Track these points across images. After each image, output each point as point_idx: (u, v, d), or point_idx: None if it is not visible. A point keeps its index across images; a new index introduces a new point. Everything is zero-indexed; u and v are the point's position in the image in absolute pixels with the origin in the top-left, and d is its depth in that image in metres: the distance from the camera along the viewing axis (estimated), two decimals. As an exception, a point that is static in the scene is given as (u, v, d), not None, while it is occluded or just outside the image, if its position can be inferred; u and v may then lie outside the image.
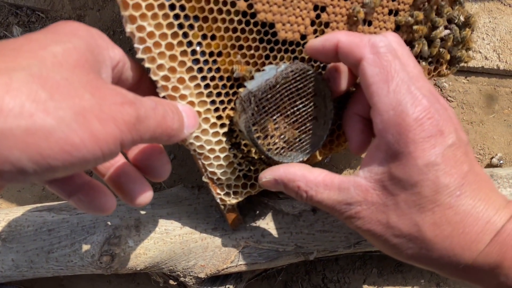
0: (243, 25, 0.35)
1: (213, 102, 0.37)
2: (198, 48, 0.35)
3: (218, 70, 0.36)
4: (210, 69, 0.36)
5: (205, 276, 0.46)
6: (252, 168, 0.40)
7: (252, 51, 0.37)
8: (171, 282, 0.50)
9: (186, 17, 0.33)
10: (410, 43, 0.43)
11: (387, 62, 0.31)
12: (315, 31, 0.39)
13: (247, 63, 0.37)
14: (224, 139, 0.38)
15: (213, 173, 0.39)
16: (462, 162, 0.31)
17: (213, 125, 0.37)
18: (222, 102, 0.37)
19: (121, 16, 0.32)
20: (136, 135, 0.26)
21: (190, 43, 0.34)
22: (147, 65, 0.33)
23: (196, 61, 0.35)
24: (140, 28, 0.32)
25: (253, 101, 0.35)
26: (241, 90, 0.37)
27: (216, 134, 0.38)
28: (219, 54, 0.36)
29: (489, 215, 0.31)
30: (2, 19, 0.58)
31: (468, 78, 0.58)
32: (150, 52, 0.33)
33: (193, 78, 0.35)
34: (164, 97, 0.34)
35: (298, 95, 0.37)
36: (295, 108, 0.37)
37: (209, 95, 0.36)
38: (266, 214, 0.47)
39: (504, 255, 0.30)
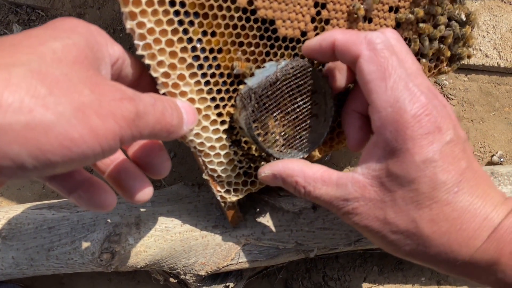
0: (243, 22, 0.35)
1: (213, 99, 0.37)
2: (198, 45, 0.35)
3: (218, 67, 0.36)
4: (210, 66, 0.36)
5: (205, 273, 0.46)
6: (252, 165, 0.40)
7: (252, 48, 0.37)
8: (172, 280, 0.50)
9: (187, 13, 0.33)
10: (409, 41, 0.43)
11: (384, 59, 0.31)
12: (315, 28, 0.38)
13: (247, 60, 0.37)
14: (224, 136, 0.38)
15: (214, 170, 0.39)
16: (460, 158, 0.31)
17: (214, 122, 0.37)
18: (222, 99, 0.37)
19: (121, 13, 0.32)
20: (136, 131, 0.26)
21: (190, 40, 0.34)
22: (147, 61, 0.33)
23: (197, 57, 0.35)
24: (140, 25, 0.32)
25: (254, 98, 0.35)
26: (241, 87, 0.37)
27: (216, 131, 0.38)
28: (219, 51, 0.36)
29: (486, 211, 0.31)
30: (2, 17, 0.58)
31: (468, 76, 0.58)
32: (150, 49, 0.33)
33: (193, 75, 0.35)
34: (164, 94, 0.34)
35: (299, 92, 0.36)
36: (296, 105, 0.37)
37: (210, 92, 0.36)
38: (266, 212, 0.47)
39: (501, 252, 0.30)
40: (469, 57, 0.46)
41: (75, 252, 0.44)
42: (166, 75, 0.34)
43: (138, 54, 0.33)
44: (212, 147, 0.38)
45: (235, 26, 0.35)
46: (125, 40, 0.57)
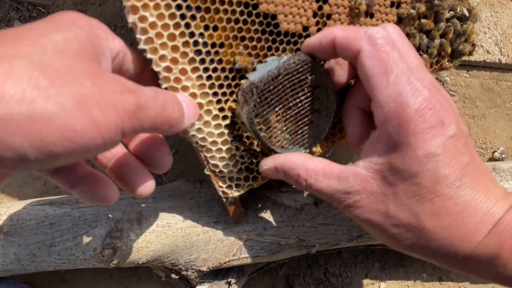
0: (245, 16, 0.35)
1: (215, 93, 0.37)
2: (200, 39, 0.35)
3: (220, 61, 0.36)
4: (212, 60, 0.36)
5: (207, 269, 0.46)
6: (254, 160, 0.40)
7: (254, 43, 0.37)
8: (173, 276, 0.50)
9: (188, 7, 0.33)
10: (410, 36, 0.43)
11: (385, 54, 0.31)
12: (317, 23, 0.38)
13: (249, 54, 0.37)
14: (226, 131, 0.38)
15: (215, 165, 0.39)
16: (462, 153, 0.31)
17: (215, 117, 0.37)
18: (224, 93, 0.37)
19: (123, 8, 0.31)
20: (137, 123, 0.26)
21: (192, 34, 0.34)
22: (149, 55, 0.33)
23: (198, 52, 0.35)
24: (142, 19, 0.32)
25: (255, 92, 0.35)
26: (243, 81, 0.36)
27: (218, 126, 0.38)
28: (221, 45, 0.36)
29: (488, 206, 0.31)
30: (4, 14, 0.58)
31: (470, 72, 0.58)
32: (152, 43, 0.33)
33: (195, 69, 0.35)
34: (166, 88, 0.34)
35: (300, 86, 0.36)
36: (297, 100, 0.37)
37: (211, 86, 0.36)
38: (268, 208, 0.47)
39: (502, 246, 0.30)
40: (470, 53, 0.46)
41: (77, 248, 0.44)
42: (168, 69, 0.34)
43: (140, 48, 0.33)
44: (214, 142, 0.38)
45: (237, 21, 0.35)
46: (126, 37, 0.57)
